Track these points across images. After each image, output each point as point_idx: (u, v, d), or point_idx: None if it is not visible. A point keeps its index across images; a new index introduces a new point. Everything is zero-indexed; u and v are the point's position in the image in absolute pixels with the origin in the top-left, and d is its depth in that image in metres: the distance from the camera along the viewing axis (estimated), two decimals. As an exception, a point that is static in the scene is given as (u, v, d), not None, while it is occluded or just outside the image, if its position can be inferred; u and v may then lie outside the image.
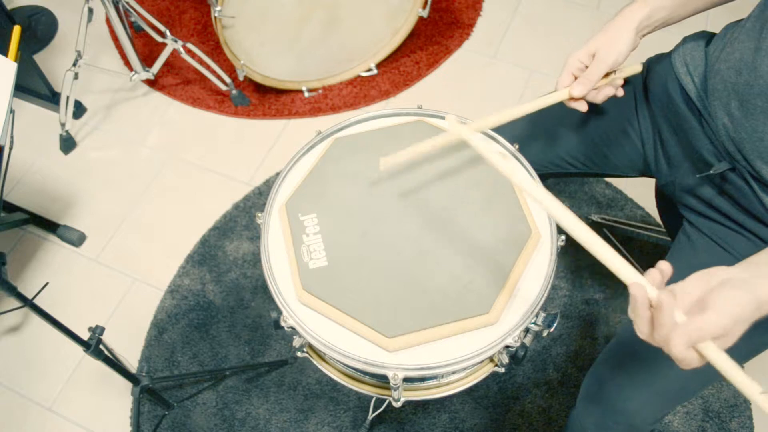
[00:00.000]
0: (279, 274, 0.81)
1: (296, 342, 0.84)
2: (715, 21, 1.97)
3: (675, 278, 0.90)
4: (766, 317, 0.61)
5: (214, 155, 1.80)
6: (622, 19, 0.83)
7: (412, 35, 1.91)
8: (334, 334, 0.77)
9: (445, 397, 0.89)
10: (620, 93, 0.88)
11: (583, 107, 0.85)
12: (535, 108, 0.85)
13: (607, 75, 0.85)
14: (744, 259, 0.85)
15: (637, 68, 0.91)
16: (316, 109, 1.87)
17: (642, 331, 0.60)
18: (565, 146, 1.02)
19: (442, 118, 0.96)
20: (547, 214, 0.84)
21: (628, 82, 0.94)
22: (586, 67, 0.84)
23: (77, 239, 1.64)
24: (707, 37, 0.90)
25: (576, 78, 0.85)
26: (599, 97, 0.85)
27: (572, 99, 0.85)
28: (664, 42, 1.02)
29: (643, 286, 0.58)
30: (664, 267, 0.60)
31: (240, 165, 1.77)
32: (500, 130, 0.97)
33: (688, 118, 0.87)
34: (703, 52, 0.87)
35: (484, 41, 2.01)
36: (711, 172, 0.83)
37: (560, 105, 1.04)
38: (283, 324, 0.79)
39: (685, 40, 0.92)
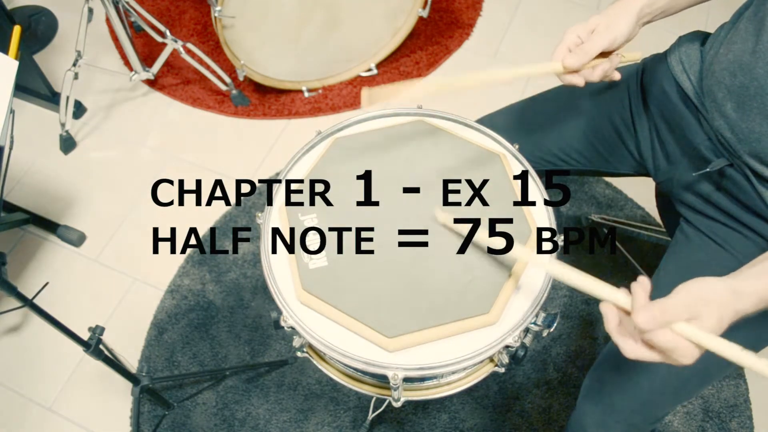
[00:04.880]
0: (279, 274, 0.81)
1: (296, 342, 0.84)
2: (715, 21, 1.97)
3: (673, 276, 0.91)
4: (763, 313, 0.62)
5: (214, 155, 1.80)
6: (624, 4, 0.83)
7: (412, 35, 1.91)
8: (334, 334, 0.77)
9: (445, 397, 0.89)
10: (616, 76, 0.87)
11: (579, 81, 0.83)
12: (525, 74, 0.83)
13: (603, 55, 0.84)
14: (740, 255, 0.86)
15: (637, 55, 0.90)
16: (316, 109, 1.87)
17: (624, 348, 0.62)
18: (560, 142, 1.03)
19: (443, 118, 0.96)
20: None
21: (622, 81, 0.94)
22: (584, 42, 0.83)
23: (77, 239, 1.64)
24: (702, 37, 0.90)
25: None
26: (596, 74, 0.83)
27: (565, 72, 0.83)
28: (661, 42, 1.02)
29: (617, 301, 0.62)
30: (641, 280, 0.62)
31: (240, 165, 1.77)
32: (496, 125, 0.97)
33: (686, 116, 0.87)
34: (699, 52, 0.87)
35: (484, 41, 2.01)
36: (709, 168, 0.83)
37: (556, 102, 1.04)
38: (283, 324, 0.79)
39: (681, 39, 0.92)
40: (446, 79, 0.83)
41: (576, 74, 0.83)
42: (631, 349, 0.61)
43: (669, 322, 0.57)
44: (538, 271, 0.81)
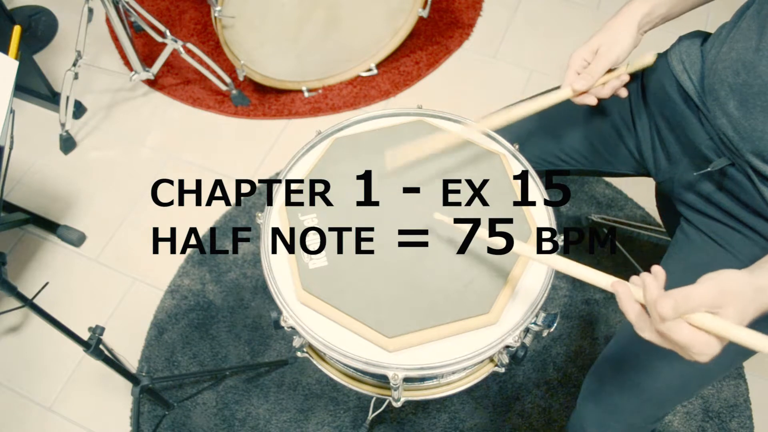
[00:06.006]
0: (279, 274, 0.81)
1: (296, 342, 0.84)
2: (715, 21, 1.97)
3: (673, 276, 0.90)
4: None
5: (214, 155, 1.80)
6: (624, 17, 0.84)
7: (412, 35, 1.91)
8: (334, 334, 0.77)
9: (445, 397, 0.89)
10: (623, 93, 0.88)
11: (591, 100, 0.85)
12: (539, 107, 0.86)
13: (610, 71, 0.85)
14: (740, 256, 0.86)
15: (649, 59, 0.90)
16: (316, 109, 1.87)
17: (639, 327, 0.60)
18: (561, 143, 1.03)
19: (443, 118, 0.96)
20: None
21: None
22: (590, 64, 0.84)
23: (77, 239, 1.64)
24: (703, 36, 0.90)
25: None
26: (605, 91, 0.85)
27: (577, 94, 0.85)
28: (661, 42, 1.02)
29: (624, 282, 0.60)
30: (656, 270, 0.60)
31: (240, 165, 1.77)
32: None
33: (687, 115, 0.87)
34: (699, 51, 0.87)
35: (484, 41, 2.01)
36: (710, 168, 0.83)
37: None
38: (283, 324, 0.79)
39: (681, 39, 0.92)
40: (465, 129, 0.86)
41: (587, 94, 0.85)
42: (646, 332, 0.59)
43: (691, 310, 0.55)
44: (539, 270, 0.81)
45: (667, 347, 0.59)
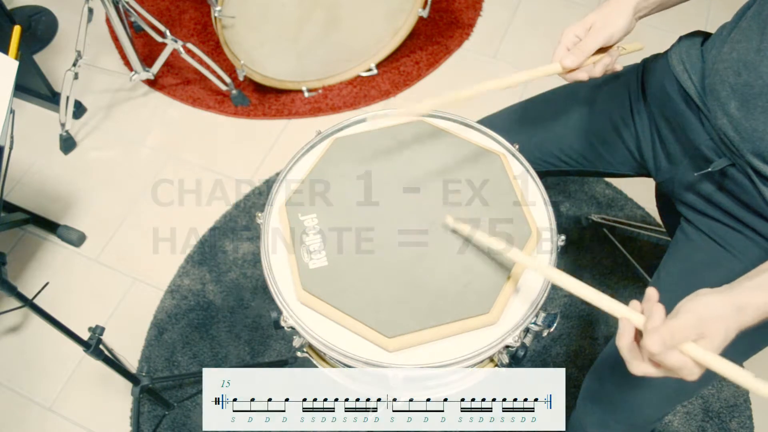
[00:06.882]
0: (279, 274, 0.81)
1: (296, 342, 0.84)
2: (715, 21, 1.97)
3: (674, 276, 0.90)
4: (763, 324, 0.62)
5: (214, 155, 1.80)
6: (620, 1, 0.83)
7: (412, 35, 1.91)
8: (334, 334, 0.77)
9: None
10: (618, 68, 0.87)
11: (582, 76, 0.83)
12: (526, 79, 0.82)
13: (602, 50, 0.84)
14: (741, 256, 0.86)
15: (638, 45, 0.89)
16: (316, 109, 1.87)
17: (632, 364, 0.63)
18: (560, 143, 1.03)
19: (443, 118, 0.96)
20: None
21: (621, 75, 0.94)
22: (581, 40, 0.83)
23: (77, 239, 1.64)
24: (703, 37, 0.90)
25: None
26: (597, 70, 0.84)
27: (565, 72, 0.83)
28: (661, 42, 1.02)
29: (630, 320, 0.62)
30: (650, 293, 0.63)
31: (240, 165, 1.77)
32: (496, 126, 0.97)
33: (687, 115, 0.87)
34: (700, 51, 0.87)
35: (484, 41, 2.01)
36: (710, 168, 0.83)
37: (555, 103, 1.04)
38: (283, 324, 0.79)
39: (681, 39, 0.92)
40: (449, 95, 0.84)
41: (578, 70, 0.83)
42: (638, 366, 0.62)
43: (678, 344, 0.58)
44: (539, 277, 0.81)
45: (657, 376, 0.62)
